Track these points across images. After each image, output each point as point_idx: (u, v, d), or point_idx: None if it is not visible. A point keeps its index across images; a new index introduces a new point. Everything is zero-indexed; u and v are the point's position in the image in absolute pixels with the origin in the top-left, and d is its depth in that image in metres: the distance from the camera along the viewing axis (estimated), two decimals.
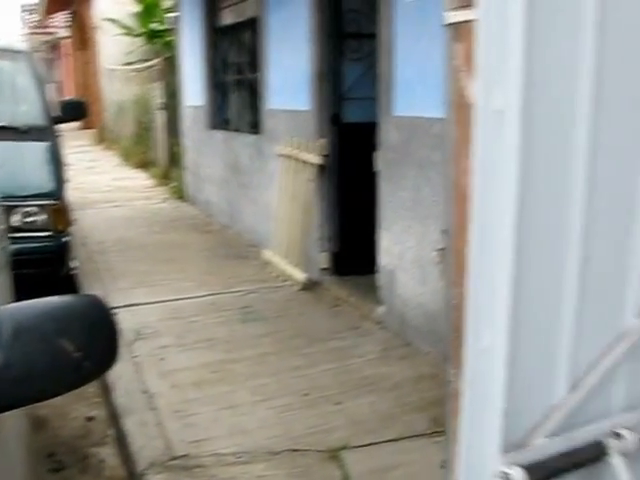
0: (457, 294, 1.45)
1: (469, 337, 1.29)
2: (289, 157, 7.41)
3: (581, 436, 1.42)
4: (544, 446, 1.37)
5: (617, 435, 1.46)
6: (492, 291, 1.25)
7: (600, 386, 1.46)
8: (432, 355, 5.14)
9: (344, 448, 4.05)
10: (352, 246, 6.94)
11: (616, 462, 1.42)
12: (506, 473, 1.28)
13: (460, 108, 1.39)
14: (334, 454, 3.99)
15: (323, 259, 7.15)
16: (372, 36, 6.14)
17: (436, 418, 4.13)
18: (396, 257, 5.86)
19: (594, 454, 1.42)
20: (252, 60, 8.95)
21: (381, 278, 6.12)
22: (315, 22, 7.00)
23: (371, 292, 6.23)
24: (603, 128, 1.35)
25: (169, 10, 14.29)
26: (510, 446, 1.32)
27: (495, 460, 1.29)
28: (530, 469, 1.31)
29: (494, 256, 1.25)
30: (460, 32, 1.30)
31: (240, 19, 9.46)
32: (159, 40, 16.06)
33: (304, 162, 7.09)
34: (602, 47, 1.32)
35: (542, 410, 1.40)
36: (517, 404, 1.32)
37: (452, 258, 1.43)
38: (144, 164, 15.95)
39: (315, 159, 6.92)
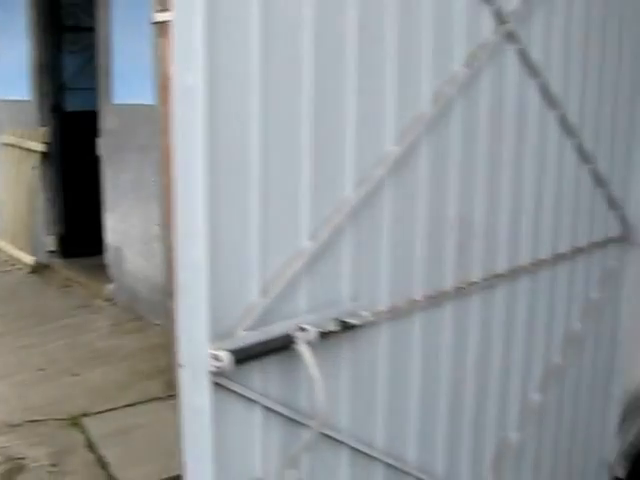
0: (168, 236, 1.81)
1: (180, 255, 1.68)
2: (13, 146, 7.41)
3: (274, 329, 1.86)
4: (245, 337, 1.79)
5: (302, 329, 1.91)
6: (194, 220, 1.65)
7: (286, 292, 1.90)
8: (162, 326, 5.36)
9: (84, 415, 4.28)
10: (79, 228, 7.10)
11: (302, 349, 1.88)
12: (215, 355, 1.71)
13: (165, 90, 1.77)
14: (75, 421, 4.21)
15: (50, 242, 7.25)
16: (91, 29, 6.32)
17: (169, 383, 4.41)
18: (122, 236, 6.10)
19: (285, 343, 1.87)
20: None
21: (109, 257, 6.34)
22: (33, 15, 7.07)
23: (100, 271, 6.44)
24: (271, 99, 1.79)
25: None
26: (218, 336, 1.73)
27: (206, 346, 1.71)
28: (234, 352, 1.73)
29: (194, 194, 1.64)
30: (163, 29, 1.68)
31: None
32: None
33: (28, 150, 7.15)
34: (265, 43, 1.76)
35: (241, 309, 1.81)
36: (220, 304, 1.74)
37: (164, 205, 1.80)
38: None
39: (38, 147, 7.02)
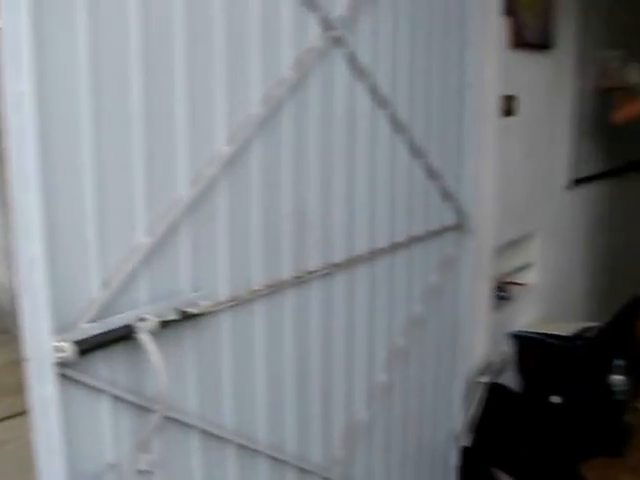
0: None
1: (18, 254, 1.76)
2: None
3: (116, 321, 1.98)
4: (88, 328, 1.90)
5: (143, 319, 2.03)
6: (30, 219, 1.71)
7: (126, 285, 2.02)
8: None
9: None
10: None
11: (143, 338, 2.00)
12: (58, 346, 1.80)
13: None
14: None
15: None
16: None
17: None
18: None
19: (127, 333, 2.00)
20: None
21: None
22: None
23: None
24: (101, 100, 1.89)
25: None
26: (61, 329, 1.84)
27: (50, 339, 1.82)
28: (77, 343, 1.84)
29: (28, 195, 1.70)
30: None
31: None
32: None
33: None
34: (94, 46, 1.86)
35: (82, 302, 1.91)
36: (61, 299, 1.84)
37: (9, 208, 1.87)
38: None
39: None
